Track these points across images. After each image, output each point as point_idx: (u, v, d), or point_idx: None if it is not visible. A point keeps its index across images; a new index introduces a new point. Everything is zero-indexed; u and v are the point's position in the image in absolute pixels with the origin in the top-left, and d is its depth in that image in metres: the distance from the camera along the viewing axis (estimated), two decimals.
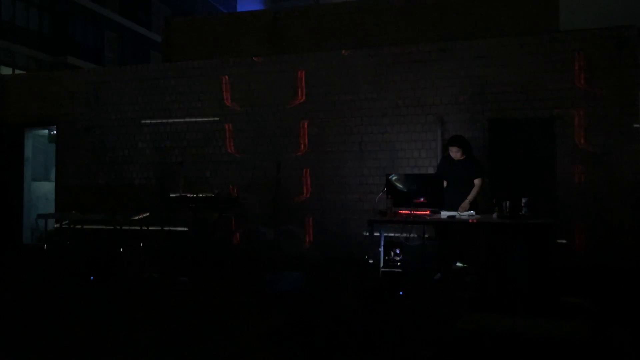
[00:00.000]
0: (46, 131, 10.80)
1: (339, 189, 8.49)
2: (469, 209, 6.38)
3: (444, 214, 6.22)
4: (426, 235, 6.98)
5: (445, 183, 6.54)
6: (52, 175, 10.47)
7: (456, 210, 6.41)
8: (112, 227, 8.57)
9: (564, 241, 7.48)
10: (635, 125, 7.36)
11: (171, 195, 8.20)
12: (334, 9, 10.98)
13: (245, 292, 6.23)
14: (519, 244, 6.04)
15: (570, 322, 4.80)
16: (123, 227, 8.52)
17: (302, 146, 8.69)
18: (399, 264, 6.21)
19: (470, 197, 6.61)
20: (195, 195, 8.03)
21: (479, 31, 9.19)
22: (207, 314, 5.36)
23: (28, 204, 10.33)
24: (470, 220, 5.98)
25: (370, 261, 6.36)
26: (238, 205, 8.40)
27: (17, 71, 21.63)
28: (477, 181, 6.68)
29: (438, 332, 4.71)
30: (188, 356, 4.15)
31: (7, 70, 21.39)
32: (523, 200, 5.90)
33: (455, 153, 6.73)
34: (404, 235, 7.24)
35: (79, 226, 9.24)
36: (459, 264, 6.79)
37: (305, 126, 8.68)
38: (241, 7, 33.87)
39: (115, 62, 26.55)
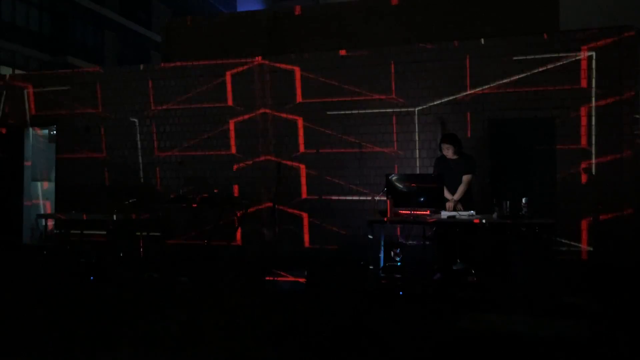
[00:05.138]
0: (46, 131, 10.80)
1: (339, 189, 8.49)
2: (469, 209, 6.37)
3: (444, 214, 6.22)
4: (426, 235, 6.97)
5: None
6: (52, 175, 10.46)
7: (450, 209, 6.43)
8: (111, 228, 8.56)
9: (563, 241, 7.47)
10: (635, 126, 7.36)
11: (171, 196, 8.19)
12: (334, 9, 10.98)
13: (245, 292, 6.23)
14: (519, 244, 6.04)
15: (570, 322, 4.80)
16: (122, 228, 8.52)
17: (302, 146, 8.69)
18: (399, 264, 6.21)
19: (456, 196, 6.61)
20: (195, 196, 8.02)
21: (479, 31, 9.18)
22: (207, 314, 5.36)
23: (28, 204, 10.32)
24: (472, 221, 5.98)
25: (371, 267, 6.35)
26: (238, 205, 8.39)
27: (17, 71, 21.63)
28: (464, 177, 6.67)
29: (438, 332, 4.71)
30: (188, 356, 4.15)
31: (7, 70, 21.39)
32: (523, 200, 5.89)
33: (447, 150, 6.72)
34: (404, 234, 7.24)
35: (78, 227, 9.23)
36: (459, 264, 6.79)
37: (305, 126, 8.68)
38: (241, 7, 33.88)
39: (115, 62, 26.55)
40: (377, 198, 6.88)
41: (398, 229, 7.72)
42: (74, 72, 10.48)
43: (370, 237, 6.23)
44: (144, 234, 8.53)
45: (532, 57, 7.75)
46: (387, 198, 6.31)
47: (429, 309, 5.46)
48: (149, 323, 5.03)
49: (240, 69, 9.07)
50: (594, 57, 7.53)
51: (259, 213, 8.68)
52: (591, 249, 7.46)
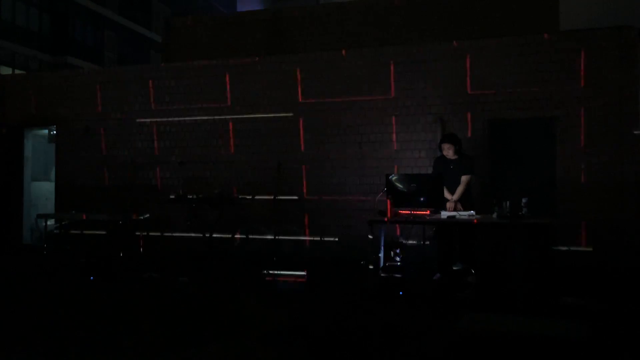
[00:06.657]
0: (46, 131, 10.80)
1: (339, 189, 8.48)
2: (469, 209, 6.37)
3: (444, 214, 6.22)
4: (426, 235, 6.97)
5: None
6: (52, 175, 10.46)
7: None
8: (112, 228, 8.56)
9: (563, 241, 7.47)
10: (635, 126, 7.36)
11: (171, 196, 8.19)
12: (334, 9, 10.98)
13: (245, 292, 6.23)
14: (519, 244, 6.04)
15: (570, 322, 4.80)
16: (123, 228, 8.51)
17: (302, 146, 8.68)
18: (398, 264, 6.21)
19: (455, 197, 6.60)
20: (195, 196, 8.02)
21: (479, 31, 9.19)
22: (207, 314, 5.36)
23: (28, 204, 10.33)
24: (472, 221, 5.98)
25: (371, 267, 6.35)
26: (238, 205, 8.39)
27: (17, 71, 21.63)
28: (463, 178, 6.65)
29: (438, 332, 4.71)
30: (188, 356, 4.15)
31: (7, 70, 21.38)
32: (523, 200, 5.89)
33: (447, 150, 6.71)
34: (404, 235, 7.24)
35: (78, 227, 9.23)
36: (458, 264, 6.79)
37: (305, 126, 8.67)
38: (241, 7, 33.84)
39: (115, 62, 26.55)
40: (377, 198, 6.87)
41: (398, 228, 7.71)
42: (74, 72, 10.47)
43: (370, 237, 6.23)
44: (144, 234, 8.53)
45: (532, 57, 7.75)
46: (387, 198, 6.30)
47: (429, 309, 5.46)
48: (149, 323, 5.03)
49: (240, 69, 9.06)
50: (594, 57, 7.52)
51: (259, 212, 8.67)
52: (590, 249, 7.46)
